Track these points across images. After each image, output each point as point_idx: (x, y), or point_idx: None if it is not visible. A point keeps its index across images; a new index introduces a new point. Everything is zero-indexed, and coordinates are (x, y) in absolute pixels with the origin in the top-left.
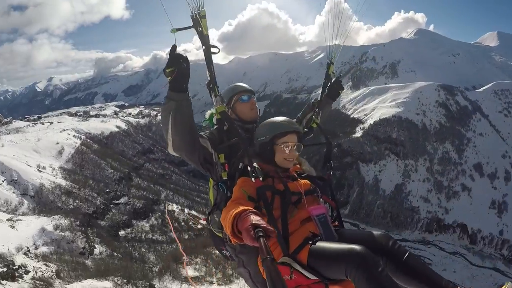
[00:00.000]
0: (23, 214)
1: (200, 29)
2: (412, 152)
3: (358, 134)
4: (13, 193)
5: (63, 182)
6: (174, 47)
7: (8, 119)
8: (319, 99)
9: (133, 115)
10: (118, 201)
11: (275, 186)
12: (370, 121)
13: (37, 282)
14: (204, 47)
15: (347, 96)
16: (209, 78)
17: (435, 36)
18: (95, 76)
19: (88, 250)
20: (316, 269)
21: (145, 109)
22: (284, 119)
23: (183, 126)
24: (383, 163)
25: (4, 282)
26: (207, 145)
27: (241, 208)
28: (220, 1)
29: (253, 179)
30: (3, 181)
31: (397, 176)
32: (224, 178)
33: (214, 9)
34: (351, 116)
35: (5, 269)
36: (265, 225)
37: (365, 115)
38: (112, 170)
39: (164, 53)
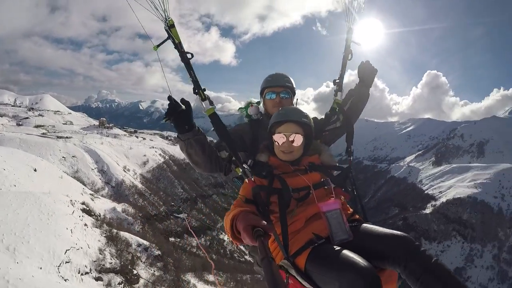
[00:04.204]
0: (102, 196)
1: (172, 39)
2: (481, 236)
3: (428, 210)
4: (100, 179)
5: (139, 185)
6: (169, 97)
7: (111, 125)
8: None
9: None
10: (178, 215)
11: (272, 184)
12: (443, 199)
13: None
14: (179, 55)
15: (426, 171)
16: (192, 85)
17: None
18: (194, 109)
19: (141, 234)
20: (313, 277)
21: None
22: (286, 108)
23: (198, 158)
24: (448, 243)
25: (84, 214)
26: (227, 155)
27: (239, 209)
28: (321, 63)
29: (246, 180)
30: (95, 168)
31: (459, 259)
32: (239, 174)
33: (314, 69)
34: (425, 192)
35: (86, 208)
36: (263, 223)
37: (440, 192)
38: (182, 190)
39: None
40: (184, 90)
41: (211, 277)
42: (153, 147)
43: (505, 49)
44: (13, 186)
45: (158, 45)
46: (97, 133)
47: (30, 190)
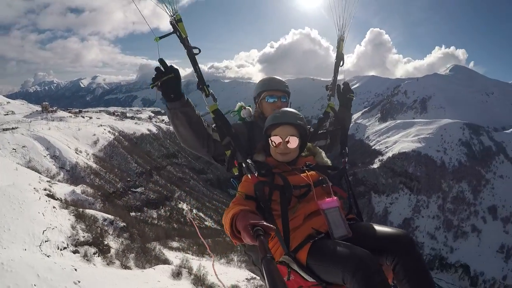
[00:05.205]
0: (59, 181)
1: (179, 33)
2: (426, 188)
3: (376, 165)
4: (54, 165)
5: (93, 165)
6: (160, 60)
7: (54, 108)
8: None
9: (165, 122)
10: (135, 190)
11: (274, 181)
12: (389, 154)
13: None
14: (185, 49)
15: (373, 128)
16: (197, 79)
17: (471, 74)
18: (137, 81)
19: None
20: (314, 270)
21: None
22: (282, 110)
23: (184, 130)
24: (396, 196)
25: (49, 199)
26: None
27: (239, 208)
28: (264, 23)
29: (249, 175)
30: (47, 155)
31: (407, 210)
32: (235, 174)
33: (257, 29)
34: (373, 148)
35: (49, 193)
36: (263, 223)
37: (386, 147)
38: (136, 165)
39: (206, 67)
40: (124, 61)
41: (175, 244)
42: (101, 125)
43: (445, 7)
44: None
45: (161, 37)
46: (42, 119)
47: None
